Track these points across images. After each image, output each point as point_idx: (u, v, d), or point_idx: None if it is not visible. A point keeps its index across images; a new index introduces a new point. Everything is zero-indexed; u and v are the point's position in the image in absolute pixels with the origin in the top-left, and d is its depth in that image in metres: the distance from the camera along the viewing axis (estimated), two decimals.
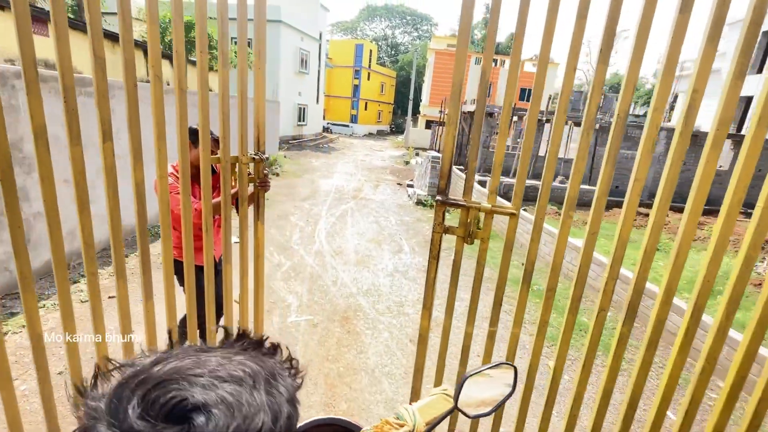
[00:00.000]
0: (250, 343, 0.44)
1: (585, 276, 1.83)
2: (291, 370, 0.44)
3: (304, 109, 22.89)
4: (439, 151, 18.61)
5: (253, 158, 2.25)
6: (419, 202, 10.21)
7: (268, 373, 0.39)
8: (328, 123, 34.64)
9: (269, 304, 3.80)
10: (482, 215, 1.95)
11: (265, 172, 2.34)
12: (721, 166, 13.74)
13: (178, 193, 2.13)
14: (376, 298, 4.12)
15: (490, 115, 12.76)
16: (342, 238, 6.30)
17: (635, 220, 10.04)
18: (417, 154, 21.36)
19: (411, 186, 12.71)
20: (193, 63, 12.24)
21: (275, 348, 0.46)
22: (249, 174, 2.30)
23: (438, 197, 1.90)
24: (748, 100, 19.68)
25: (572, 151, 13.11)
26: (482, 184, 10.33)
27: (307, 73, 22.71)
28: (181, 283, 2.22)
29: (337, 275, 4.66)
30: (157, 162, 1.89)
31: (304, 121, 23.08)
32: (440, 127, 21.60)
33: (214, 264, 2.33)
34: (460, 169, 12.02)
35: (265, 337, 0.46)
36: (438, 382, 2.27)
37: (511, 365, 0.92)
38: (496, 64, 29.31)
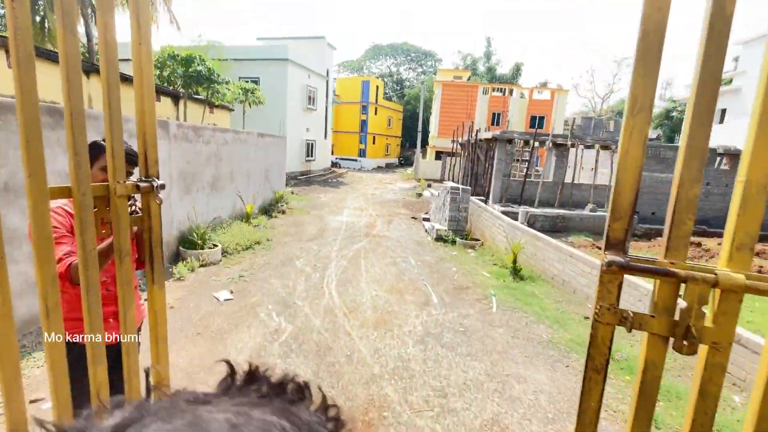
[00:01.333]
0: (267, 386, 0.31)
1: None
2: (331, 422, 0.30)
3: (312, 144, 22.51)
4: (454, 181, 17.71)
5: (138, 186, 1.28)
6: (439, 238, 9.14)
7: None
8: (336, 158, 34.40)
9: None
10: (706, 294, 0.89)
11: (133, 206, 1.39)
12: None
13: (62, 241, 1.21)
14: (407, 383, 2.97)
15: (509, 141, 11.89)
16: (356, 287, 5.22)
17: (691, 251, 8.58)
18: (429, 186, 20.54)
19: (427, 220, 11.69)
20: (194, 99, 11.66)
21: (302, 390, 0.32)
22: (133, 209, 1.34)
23: (611, 257, 0.84)
24: None
25: (605, 177, 12.06)
26: (511, 215, 9.25)
27: (315, 109, 22.53)
28: (76, 375, 1.19)
29: (352, 345, 3.54)
30: (27, 190, 0.92)
31: (312, 156, 22.63)
32: (451, 158, 20.90)
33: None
34: (481, 200, 11.00)
35: (286, 376, 0.32)
36: None
37: None
38: (504, 93, 29.05)
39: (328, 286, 5.19)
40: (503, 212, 9.43)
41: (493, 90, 29.09)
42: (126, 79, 8.38)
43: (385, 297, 4.86)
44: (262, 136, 10.60)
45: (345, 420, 0.32)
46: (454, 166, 19.14)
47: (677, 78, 76.20)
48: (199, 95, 10.89)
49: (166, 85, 9.29)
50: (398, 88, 52.22)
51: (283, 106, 19.03)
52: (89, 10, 13.06)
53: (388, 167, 39.34)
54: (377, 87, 37.29)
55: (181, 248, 5.75)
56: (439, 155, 29.05)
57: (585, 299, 4.95)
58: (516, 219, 8.92)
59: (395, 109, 42.78)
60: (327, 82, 24.65)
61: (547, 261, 5.90)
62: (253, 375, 0.32)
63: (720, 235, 11.22)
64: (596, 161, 11.51)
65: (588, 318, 4.36)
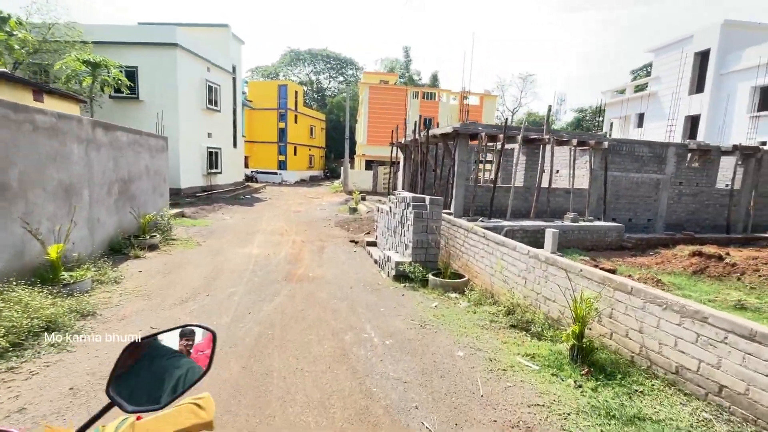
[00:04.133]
0: None
1: None
2: None
3: (216, 153, 18.02)
4: (395, 191, 14.88)
5: None
6: (401, 276, 6.00)
7: None
8: (252, 171, 29.83)
9: None
10: None
11: None
12: (726, 185, 11.71)
13: None
14: None
15: (473, 137, 9.33)
16: None
17: (693, 262, 6.45)
18: (363, 199, 17.49)
19: (373, 244, 8.54)
20: (64, 94, 6.85)
21: None
22: None
23: None
24: (693, 118, 19.30)
25: (579, 179, 10.08)
26: (503, 232, 6.46)
27: (219, 110, 18.16)
28: None
29: None
30: None
31: (217, 168, 18.12)
32: (387, 166, 18.22)
33: None
34: (447, 213, 8.21)
35: None
36: None
37: (209, 330, 0.80)
38: (434, 99, 27.48)
39: None
40: (485, 228, 6.64)
41: (423, 96, 27.36)
42: None
43: None
44: (109, 130, 6.54)
45: None
46: (396, 173, 16.32)
47: (570, 93, 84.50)
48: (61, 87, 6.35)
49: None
50: (319, 97, 48.86)
51: (173, 102, 14.53)
52: None
53: (313, 180, 35.61)
54: (296, 92, 33.61)
55: None
56: (369, 164, 26.34)
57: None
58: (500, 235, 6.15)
59: (318, 117, 39.34)
60: (234, 79, 20.42)
61: (651, 334, 3.02)
62: None
63: (712, 242, 9.87)
64: (573, 160, 9.46)
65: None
